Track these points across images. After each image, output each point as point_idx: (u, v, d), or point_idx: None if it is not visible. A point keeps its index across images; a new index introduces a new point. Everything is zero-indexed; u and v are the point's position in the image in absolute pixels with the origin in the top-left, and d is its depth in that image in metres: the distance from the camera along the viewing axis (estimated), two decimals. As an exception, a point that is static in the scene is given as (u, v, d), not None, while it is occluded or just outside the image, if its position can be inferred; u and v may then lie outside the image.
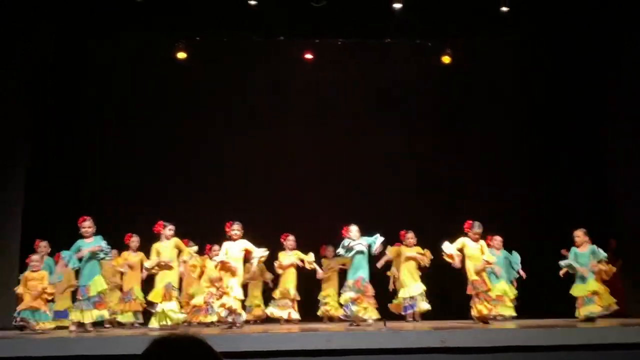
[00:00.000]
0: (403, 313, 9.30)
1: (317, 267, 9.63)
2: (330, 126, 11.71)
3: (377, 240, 8.52)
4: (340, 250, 8.63)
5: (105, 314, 8.02)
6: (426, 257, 9.36)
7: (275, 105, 11.73)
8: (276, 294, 9.53)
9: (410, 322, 9.09)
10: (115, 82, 11.31)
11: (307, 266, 9.50)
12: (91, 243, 8.03)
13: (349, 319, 8.52)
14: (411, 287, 9.27)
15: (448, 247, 8.37)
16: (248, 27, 11.01)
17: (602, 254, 8.65)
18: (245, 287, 8.77)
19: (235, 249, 8.18)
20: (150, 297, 8.11)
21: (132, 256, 9.40)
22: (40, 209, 10.69)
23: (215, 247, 9.10)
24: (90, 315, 7.84)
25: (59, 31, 10.65)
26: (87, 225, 8.08)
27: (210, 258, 9.14)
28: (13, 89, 10.45)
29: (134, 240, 9.39)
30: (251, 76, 11.62)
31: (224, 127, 11.66)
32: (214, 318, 8.71)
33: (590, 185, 11.15)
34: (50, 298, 8.49)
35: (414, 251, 9.47)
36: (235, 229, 8.25)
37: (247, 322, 9.26)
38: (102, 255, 8.14)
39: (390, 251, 9.43)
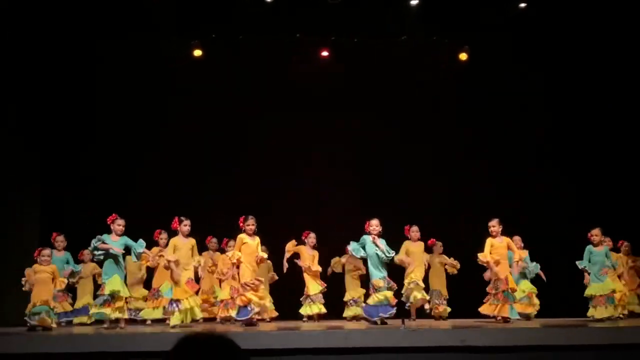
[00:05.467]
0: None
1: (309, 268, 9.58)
2: (346, 124, 11.66)
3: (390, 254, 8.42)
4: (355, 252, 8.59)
5: (106, 312, 7.81)
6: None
7: (291, 103, 11.69)
8: (310, 290, 9.45)
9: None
10: (127, 80, 11.26)
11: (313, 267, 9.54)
12: (116, 242, 8.07)
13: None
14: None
15: (483, 256, 8.34)
16: (264, 24, 10.99)
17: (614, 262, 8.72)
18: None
19: (252, 242, 8.22)
20: (177, 295, 8.02)
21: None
22: (58, 205, 10.79)
23: (232, 242, 9.10)
24: (98, 313, 7.89)
25: (67, 31, 10.65)
26: (121, 224, 8.10)
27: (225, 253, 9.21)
28: (30, 90, 10.54)
29: (163, 237, 9.27)
30: (267, 74, 11.58)
31: (240, 126, 11.63)
32: (234, 313, 8.68)
33: (610, 183, 11.08)
34: (60, 289, 8.55)
35: (419, 246, 9.46)
36: (250, 223, 8.24)
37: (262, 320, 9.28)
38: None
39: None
